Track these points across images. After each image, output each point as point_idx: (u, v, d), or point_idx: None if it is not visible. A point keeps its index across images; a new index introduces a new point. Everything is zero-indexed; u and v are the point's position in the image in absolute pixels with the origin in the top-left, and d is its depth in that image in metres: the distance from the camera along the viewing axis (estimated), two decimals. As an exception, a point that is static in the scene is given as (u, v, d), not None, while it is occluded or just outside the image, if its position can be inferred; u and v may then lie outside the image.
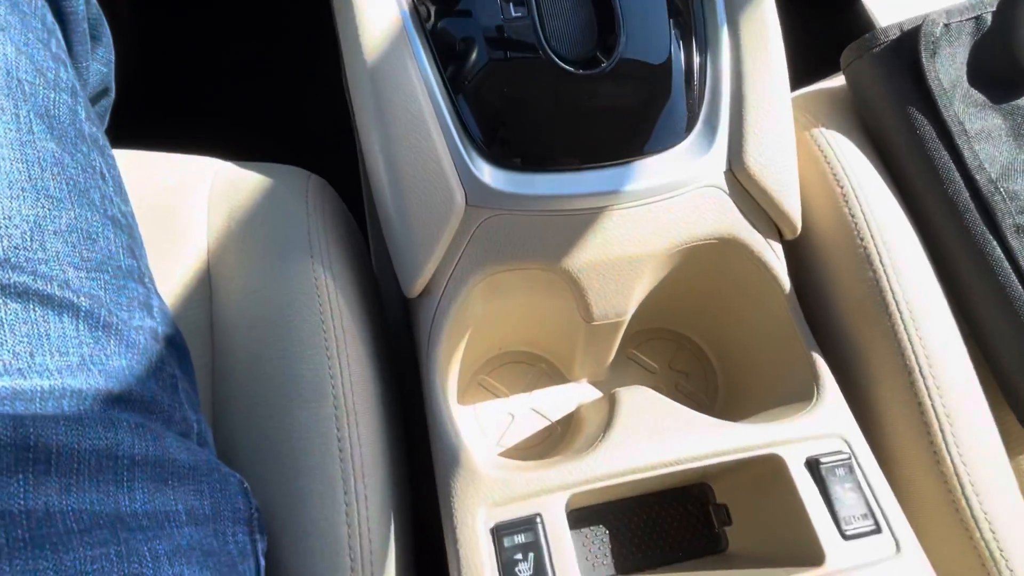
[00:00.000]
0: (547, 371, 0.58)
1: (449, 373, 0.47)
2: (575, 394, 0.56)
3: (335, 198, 0.51)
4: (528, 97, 0.44)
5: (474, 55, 0.44)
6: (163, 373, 0.37)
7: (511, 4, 0.45)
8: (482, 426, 0.55)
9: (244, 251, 0.46)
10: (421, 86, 0.43)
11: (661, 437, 0.41)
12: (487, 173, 0.44)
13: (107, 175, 0.41)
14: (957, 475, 0.41)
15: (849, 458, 0.41)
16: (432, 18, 0.45)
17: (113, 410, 0.32)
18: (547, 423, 0.55)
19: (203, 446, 0.38)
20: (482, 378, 0.57)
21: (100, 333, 0.33)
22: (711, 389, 0.57)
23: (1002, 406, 0.47)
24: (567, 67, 0.44)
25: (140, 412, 0.34)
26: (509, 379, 0.57)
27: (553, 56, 0.44)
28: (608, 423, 0.42)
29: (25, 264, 0.31)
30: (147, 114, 0.72)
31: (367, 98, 0.43)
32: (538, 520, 0.38)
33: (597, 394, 0.56)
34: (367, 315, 0.47)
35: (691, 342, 0.58)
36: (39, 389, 0.29)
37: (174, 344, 0.40)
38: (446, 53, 0.44)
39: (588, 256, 0.45)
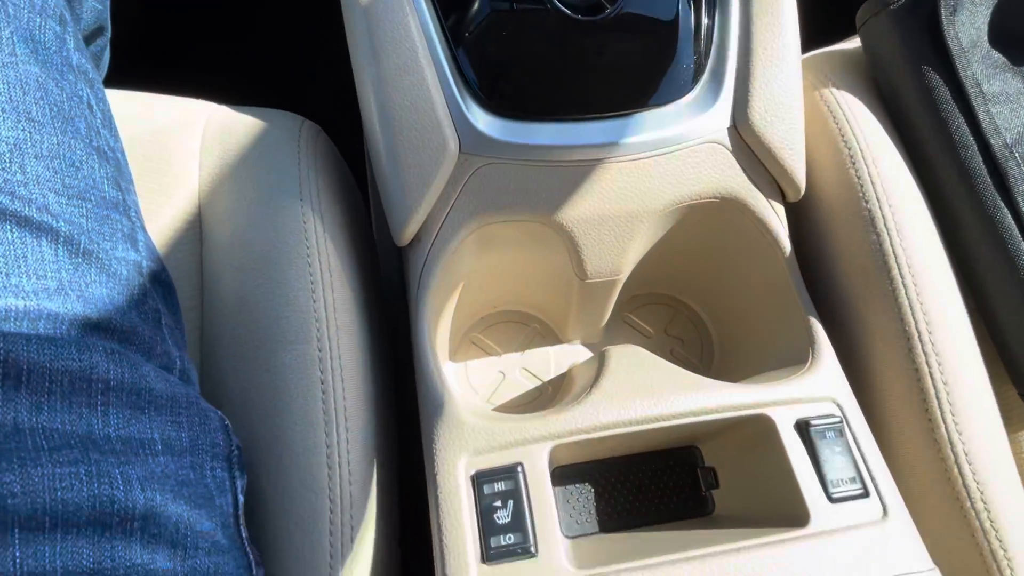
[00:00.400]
0: (540, 331, 0.57)
1: (439, 323, 0.47)
2: (568, 355, 0.56)
3: (328, 144, 0.50)
4: (527, 43, 0.43)
5: (473, -4, 0.42)
6: (145, 306, 0.36)
7: None
8: (472, 383, 0.54)
9: (234, 194, 0.46)
10: (417, 27, 0.42)
11: (649, 393, 0.40)
12: (482, 120, 0.43)
13: (95, 107, 0.40)
14: (951, 444, 0.40)
15: (840, 422, 0.40)
16: None
17: (91, 336, 0.31)
18: (538, 383, 0.55)
19: (186, 383, 0.38)
20: (475, 336, 0.56)
21: (80, 260, 0.33)
22: (706, 356, 0.56)
23: (1004, 381, 0.45)
24: (569, 12, 0.43)
25: (119, 341, 0.33)
26: (502, 338, 0.56)
27: (555, 0, 0.43)
28: (596, 378, 0.42)
29: (3, 185, 0.31)
30: (145, 58, 0.71)
31: (361, 37, 0.42)
32: (519, 469, 0.37)
33: (590, 356, 0.55)
34: (357, 262, 0.46)
35: (688, 308, 0.57)
36: (13, 309, 0.29)
37: (159, 280, 0.39)
38: (444, -7, 0.43)
39: (584, 210, 0.44)
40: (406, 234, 0.43)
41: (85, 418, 0.29)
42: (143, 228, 0.40)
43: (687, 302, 0.58)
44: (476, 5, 0.43)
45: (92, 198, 0.35)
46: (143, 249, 0.39)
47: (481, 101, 0.43)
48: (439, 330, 0.48)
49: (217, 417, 0.37)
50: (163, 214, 0.46)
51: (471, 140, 0.42)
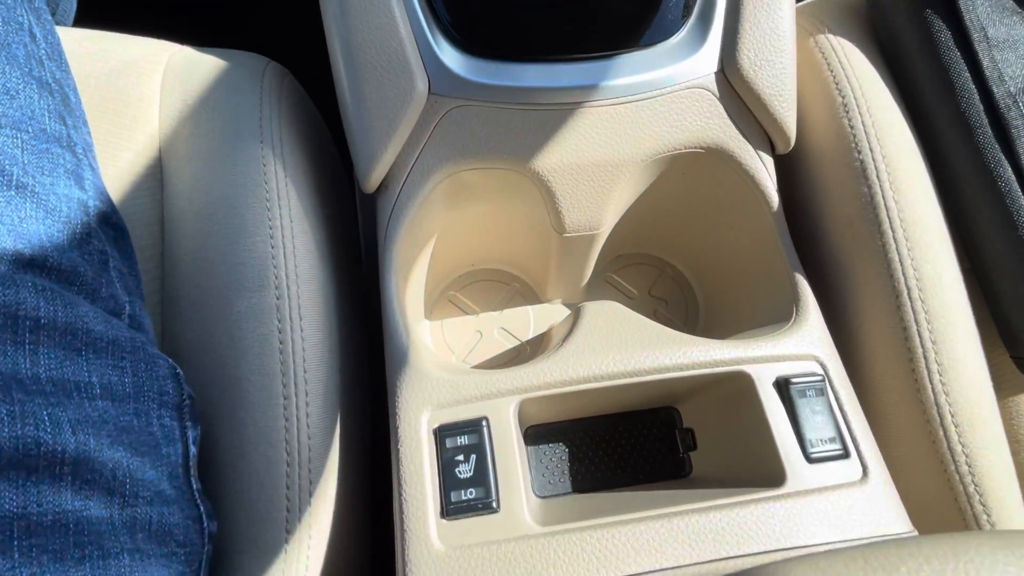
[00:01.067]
0: (520, 291, 0.55)
1: (410, 277, 0.45)
2: (548, 315, 0.54)
3: (295, 87, 0.48)
4: (503, -25, 0.40)
5: (443, -78, 0.40)
6: (90, 247, 0.34)
7: None
8: (449, 342, 0.53)
9: (195, 136, 0.43)
10: None
11: (624, 348, 0.38)
12: (454, 59, 0.40)
13: (39, 36, 0.38)
14: (937, 405, 0.39)
15: (822, 380, 0.38)
16: None
17: (21, 273, 0.29)
18: (516, 343, 0.53)
19: (137, 330, 0.36)
20: (452, 295, 0.55)
21: (12, 192, 0.31)
22: (691, 317, 0.54)
23: (996, 343, 0.44)
24: None
25: (56, 280, 0.31)
26: (480, 297, 0.55)
27: (533, -69, 0.40)
28: (569, 332, 0.40)
29: (-77, 108, 0.29)
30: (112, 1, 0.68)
31: (324, -34, 0.39)
32: (483, 423, 0.36)
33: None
34: (323, 210, 0.44)
35: (672, 268, 0.55)
36: (-69, 239, 0.27)
37: (108, 222, 0.37)
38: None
39: (562, 158, 0.41)
40: (372, 180, 0.41)
41: (10, 356, 0.27)
42: (92, 167, 0.38)
43: (672, 262, 0.56)
44: None
45: (29, 129, 0.33)
46: (90, 188, 0.37)
47: (453, 39, 0.40)
48: (410, 285, 0.46)
49: (167, 365, 0.35)
50: (121, 157, 0.44)
51: (441, 80, 0.40)
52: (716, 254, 0.51)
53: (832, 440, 0.37)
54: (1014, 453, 0.42)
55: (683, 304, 0.54)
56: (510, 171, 0.42)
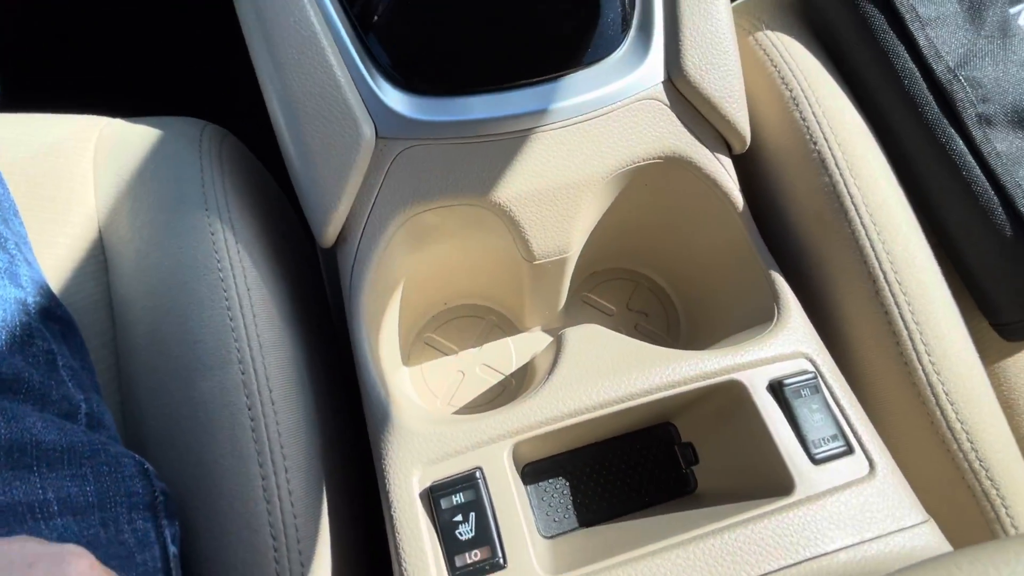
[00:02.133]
0: (497, 323, 0.54)
1: (381, 327, 0.43)
2: (529, 344, 0.53)
3: (237, 147, 0.46)
4: (438, 9, 0.39)
5: (368, -37, 0.39)
6: (33, 348, 0.32)
7: None
8: (431, 387, 0.51)
9: (135, 212, 0.41)
10: (311, 4, 0.38)
11: (612, 373, 0.37)
12: (398, 100, 0.39)
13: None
14: (930, 385, 0.39)
15: (815, 377, 0.37)
16: None
17: (-42, 391, 0.27)
18: (500, 377, 0.51)
19: (96, 429, 0.34)
20: (428, 336, 0.53)
21: (-64, 304, 0.28)
22: (672, 326, 0.53)
23: (974, 314, 0.44)
24: None
25: (-2, 392, 0.29)
26: (457, 335, 0.53)
27: (462, -38, 0.39)
28: (553, 364, 0.39)
29: None
30: (39, 85, 0.65)
31: (250, 15, 0.38)
32: (478, 475, 0.34)
33: (552, 341, 0.52)
34: (283, 271, 0.42)
35: (648, 279, 0.55)
36: None
37: (52, 317, 0.35)
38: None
39: (521, 186, 0.40)
40: (328, 234, 0.39)
41: (-52, 487, 0.25)
42: (27, 261, 0.36)
43: (646, 273, 0.55)
44: None
45: (-50, 231, 0.31)
46: (27, 284, 0.34)
47: (393, 79, 0.39)
48: (383, 334, 0.44)
49: (134, 463, 0.33)
50: (59, 244, 0.42)
51: (388, 123, 0.39)
52: (689, 261, 0.50)
53: (834, 438, 0.36)
54: (1009, 419, 0.42)
55: (663, 314, 0.54)
56: (471, 206, 0.41)
